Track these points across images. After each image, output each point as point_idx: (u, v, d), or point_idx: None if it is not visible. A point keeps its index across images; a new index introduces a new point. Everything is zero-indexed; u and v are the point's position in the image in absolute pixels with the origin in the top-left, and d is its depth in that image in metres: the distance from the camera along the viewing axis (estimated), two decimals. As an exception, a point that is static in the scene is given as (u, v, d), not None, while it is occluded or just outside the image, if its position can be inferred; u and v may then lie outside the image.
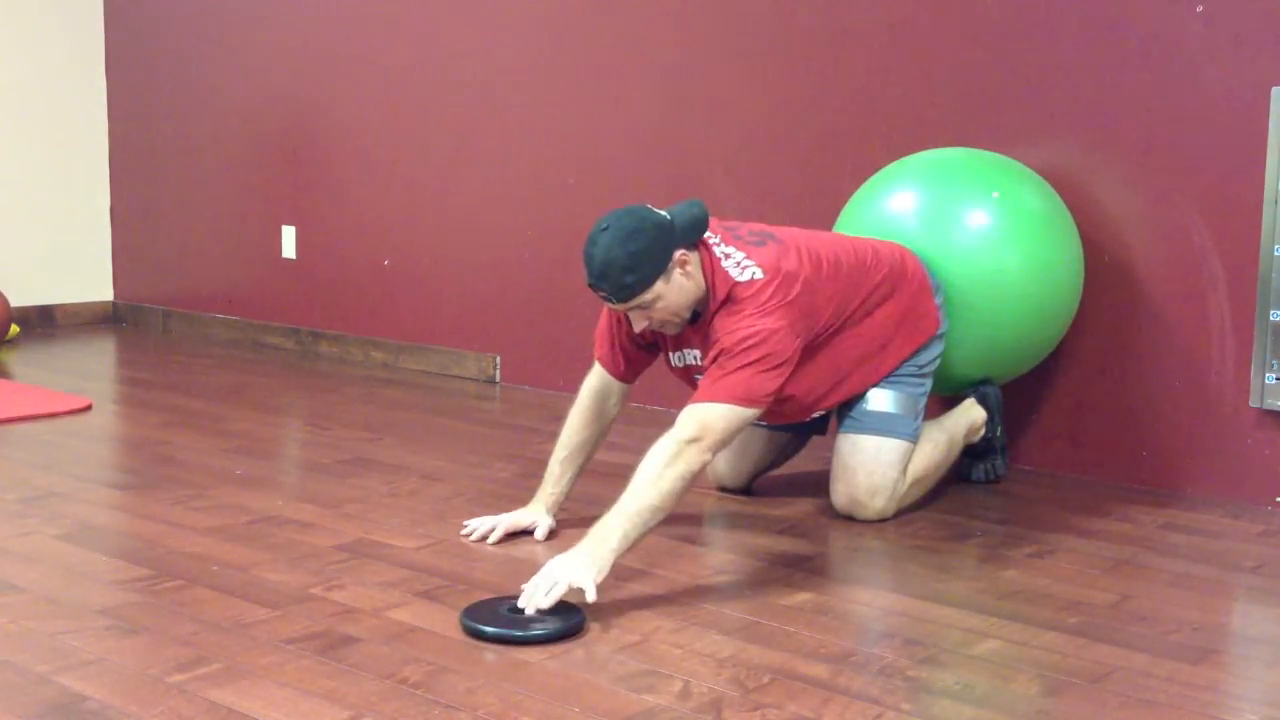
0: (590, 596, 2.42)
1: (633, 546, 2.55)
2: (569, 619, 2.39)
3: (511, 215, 4.71)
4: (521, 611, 2.40)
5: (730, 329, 2.75)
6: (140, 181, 5.99)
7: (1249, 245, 3.26)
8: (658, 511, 2.56)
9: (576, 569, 2.45)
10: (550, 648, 2.31)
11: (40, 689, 2.12)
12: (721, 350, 2.74)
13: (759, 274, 2.81)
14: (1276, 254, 3.20)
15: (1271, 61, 3.22)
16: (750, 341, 2.72)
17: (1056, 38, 3.52)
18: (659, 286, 2.72)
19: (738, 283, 2.79)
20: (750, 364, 2.71)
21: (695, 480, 2.64)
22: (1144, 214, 3.42)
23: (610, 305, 2.79)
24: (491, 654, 2.29)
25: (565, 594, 2.42)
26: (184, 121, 5.78)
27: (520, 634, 2.34)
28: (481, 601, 2.48)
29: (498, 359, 4.79)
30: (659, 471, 2.56)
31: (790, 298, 2.80)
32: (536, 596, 2.41)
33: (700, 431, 2.62)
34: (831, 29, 3.91)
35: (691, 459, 2.60)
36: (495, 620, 2.38)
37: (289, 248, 5.42)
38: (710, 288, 2.80)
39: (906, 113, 3.77)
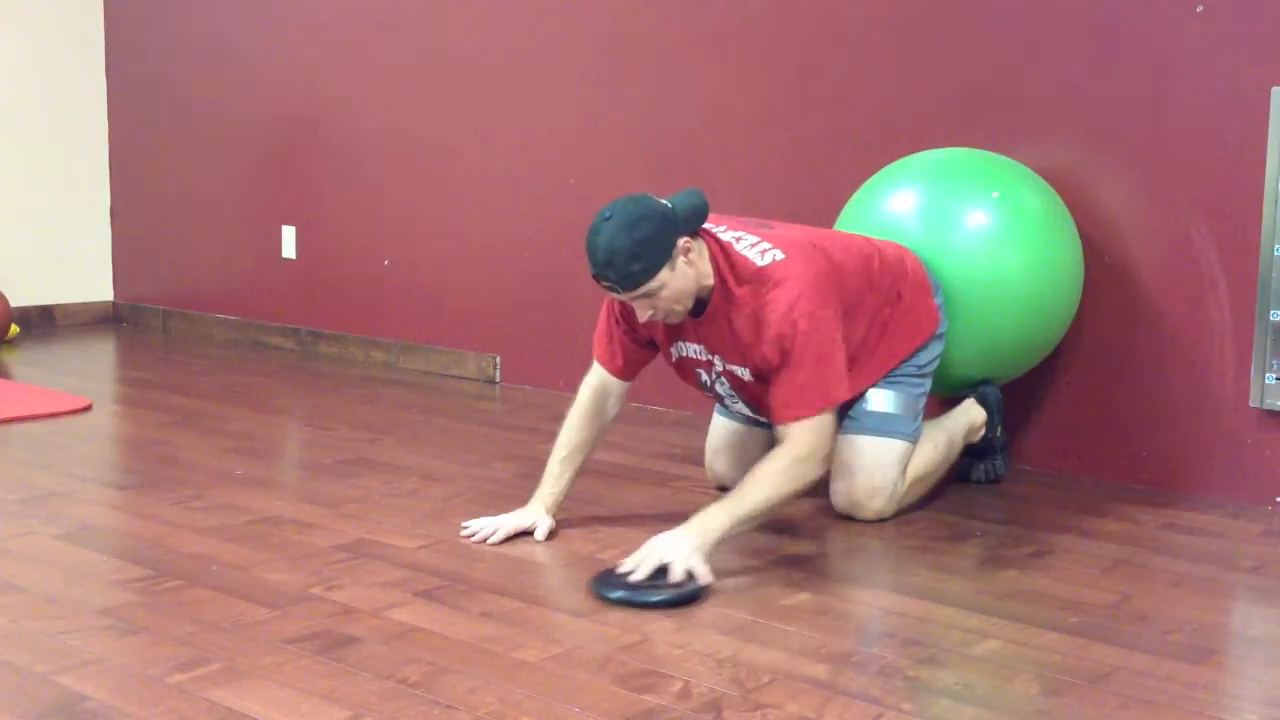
0: (706, 578, 2.58)
1: (726, 541, 2.68)
2: (690, 584, 2.56)
3: (511, 215, 4.71)
4: (629, 575, 2.58)
5: (772, 315, 2.78)
6: (140, 181, 5.99)
7: (1249, 245, 3.26)
8: (760, 518, 2.74)
9: (680, 547, 2.60)
10: (551, 647, 2.32)
11: (40, 689, 2.12)
12: (785, 355, 2.78)
13: (779, 255, 2.83)
14: (1276, 254, 3.20)
15: (1271, 61, 3.22)
16: (801, 341, 2.77)
17: (1056, 38, 3.52)
18: (664, 274, 2.72)
19: (762, 267, 2.81)
20: (814, 360, 2.79)
21: (802, 493, 2.79)
22: (1144, 214, 3.42)
23: (615, 295, 2.79)
24: (491, 654, 2.29)
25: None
26: (184, 121, 5.78)
27: (645, 598, 2.52)
28: (608, 570, 2.65)
29: (498, 359, 4.80)
30: (774, 483, 2.72)
31: (819, 270, 2.85)
32: (643, 569, 2.58)
33: (813, 448, 2.76)
34: (831, 28, 3.91)
35: (807, 475, 2.76)
36: (623, 586, 2.56)
37: (289, 248, 5.42)
38: (723, 273, 2.80)
39: (906, 113, 3.77)
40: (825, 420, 2.79)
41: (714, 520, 2.65)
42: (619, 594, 2.53)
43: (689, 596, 2.53)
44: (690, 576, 2.56)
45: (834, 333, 2.83)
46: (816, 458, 2.77)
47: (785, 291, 2.78)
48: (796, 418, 2.77)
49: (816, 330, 2.78)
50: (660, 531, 2.64)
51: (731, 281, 2.81)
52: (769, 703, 2.10)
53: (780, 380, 2.80)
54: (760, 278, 2.80)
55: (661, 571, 2.57)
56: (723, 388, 3.02)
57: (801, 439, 2.75)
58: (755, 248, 2.84)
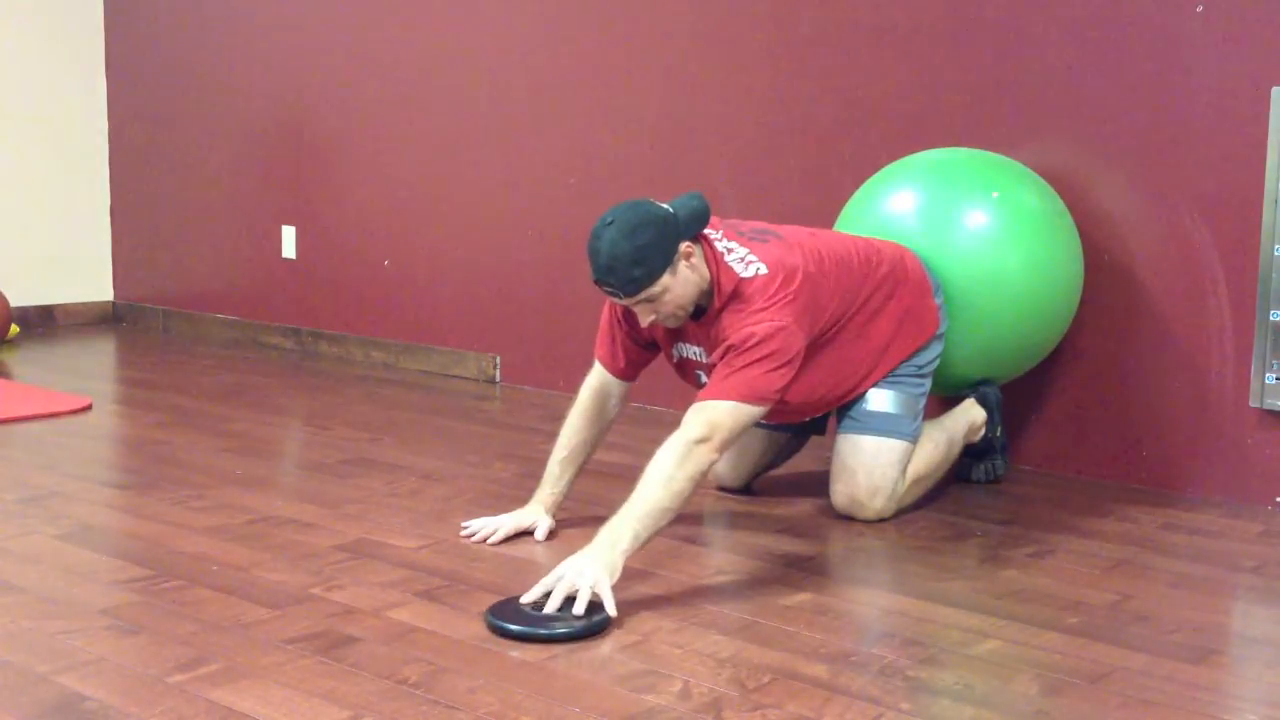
0: (610, 609, 2.41)
1: (642, 547, 2.55)
2: (595, 616, 2.39)
3: (511, 215, 4.71)
4: (541, 608, 2.41)
5: (737, 325, 2.76)
6: (140, 181, 5.99)
7: (1249, 245, 3.26)
8: (667, 513, 2.56)
9: (588, 571, 2.44)
10: (551, 647, 2.31)
11: (40, 689, 2.12)
12: (729, 347, 2.74)
13: (763, 269, 2.81)
14: (1276, 254, 3.20)
15: (1271, 61, 3.22)
16: (757, 338, 2.72)
17: (1056, 38, 3.52)
18: (665, 279, 2.72)
19: (742, 279, 2.80)
20: (757, 361, 2.71)
21: (704, 480, 2.66)
22: (1144, 214, 3.42)
23: (616, 300, 2.79)
24: (491, 654, 2.29)
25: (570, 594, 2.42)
26: (184, 121, 5.78)
27: (545, 632, 2.35)
28: (507, 600, 2.48)
29: (498, 359, 4.80)
30: (669, 472, 2.57)
31: (793, 291, 2.80)
32: (548, 598, 2.41)
33: (709, 431, 2.63)
34: (832, 29, 3.91)
35: (701, 459, 2.60)
36: (520, 618, 2.39)
37: (289, 248, 5.42)
38: (714, 283, 2.80)
39: (906, 113, 3.77)
40: (734, 409, 2.66)
41: (621, 534, 2.51)
42: (518, 628, 2.36)
43: (594, 629, 2.37)
44: (596, 607, 2.41)
45: (787, 346, 2.75)
46: (713, 442, 2.62)
47: (754, 306, 2.77)
48: (706, 397, 2.69)
49: (769, 338, 2.73)
50: (663, 532, 2.64)
51: (716, 291, 2.81)
52: (769, 703, 2.10)
53: (718, 366, 2.75)
54: (738, 290, 2.80)
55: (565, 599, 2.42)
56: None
57: (698, 420, 2.64)
58: (742, 260, 2.84)
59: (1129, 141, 3.43)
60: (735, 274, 2.80)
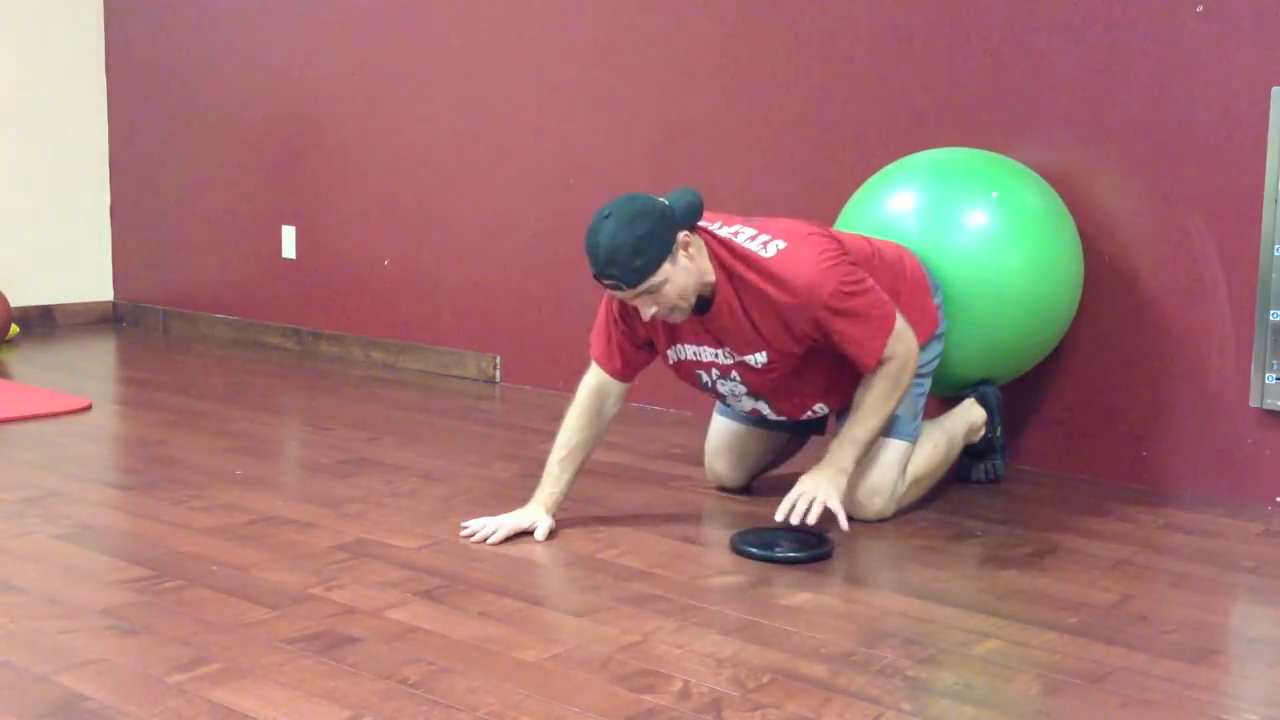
0: (844, 524, 2.86)
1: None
2: (821, 547, 2.84)
3: (511, 215, 4.72)
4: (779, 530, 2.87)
5: (797, 307, 2.82)
6: (140, 181, 5.99)
7: (1249, 245, 3.26)
8: (879, 432, 2.97)
9: (822, 490, 2.86)
10: (551, 647, 2.32)
11: (40, 689, 2.12)
12: (822, 316, 2.83)
13: (782, 244, 2.84)
14: (1276, 254, 3.20)
15: (1271, 61, 3.22)
16: (828, 292, 2.82)
17: (1056, 38, 3.52)
18: (666, 268, 2.73)
19: (769, 260, 2.83)
20: (859, 297, 2.86)
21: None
22: (1144, 214, 3.42)
23: (617, 293, 2.79)
24: (491, 654, 2.29)
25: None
26: (184, 121, 5.78)
27: (780, 555, 2.80)
28: (751, 529, 2.94)
29: (498, 359, 4.80)
30: (878, 402, 2.92)
31: (822, 243, 2.89)
32: (796, 512, 2.83)
33: (906, 357, 2.92)
34: (832, 29, 3.91)
35: (906, 376, 2.94)
36: (758, 543, 2.85)
37: (289, 248, 5.42)
38: (730, 266, 2.81)
39: (906, 113, 3.77)
40: (900, 327, 2.92)
41: (848, 456, 2.92)
42: (758, 551, 2.81)
43: (819, 556, 2.80)
44: (821, 540, 2.85)
45: (859, 271, 2.91)
46: (911, 360, 2.94)
47: (798, 275, 2.81)
48: (880, 349, 2.89)
49: (845, 279, 2.85)
50: (658, 530, 2.64)
51: (743, 270, 2.81)
52: (769, 703, 2.11)
53: (844, 339, 2.87)
54: (769, 271, 2.81)
55: (788, 531, 2.87)
56: (724, 386, 3.02)
57: (893, 353, 2.90)
58: (756, 240, 2.85)
59: (1129, 141, 3.43)
60: (758, 255, 2.83)
